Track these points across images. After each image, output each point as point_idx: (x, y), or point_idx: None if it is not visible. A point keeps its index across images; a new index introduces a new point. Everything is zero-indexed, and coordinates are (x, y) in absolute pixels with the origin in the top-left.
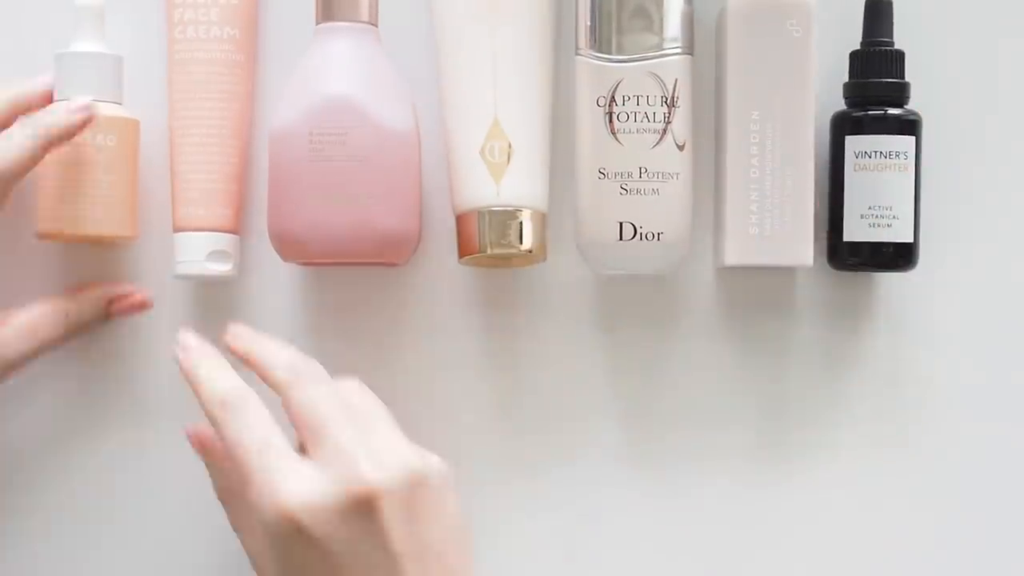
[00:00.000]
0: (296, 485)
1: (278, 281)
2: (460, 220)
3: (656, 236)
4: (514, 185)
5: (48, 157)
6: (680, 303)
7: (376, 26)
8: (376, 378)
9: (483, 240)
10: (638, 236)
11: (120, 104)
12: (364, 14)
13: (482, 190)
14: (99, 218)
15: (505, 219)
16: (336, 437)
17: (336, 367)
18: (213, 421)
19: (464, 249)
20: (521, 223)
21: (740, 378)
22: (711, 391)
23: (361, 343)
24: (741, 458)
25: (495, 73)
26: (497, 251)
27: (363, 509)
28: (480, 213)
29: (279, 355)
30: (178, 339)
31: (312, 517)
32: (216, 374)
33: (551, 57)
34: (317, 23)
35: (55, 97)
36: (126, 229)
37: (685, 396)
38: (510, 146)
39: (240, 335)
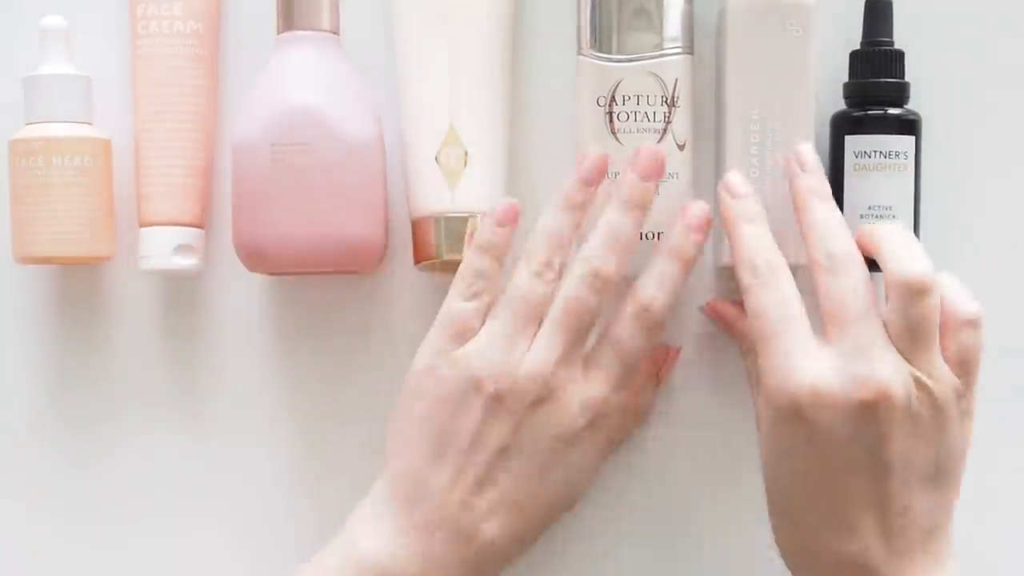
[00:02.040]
0: (808, 369)
1: (250, 277)
2: (416, 225)
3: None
4: (469, 191)
5: (22, 180)
6: (680, 302)
7: (338, 35)
8: (343, 382)
9: (438, 246)
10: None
11: (91, 124)
12: (325, 23)
13: (437, 196)
14: (81, 239)
15: (460, 225)
16: (858, 333)
17: (303, 369)
18: (741, 283)
19: (420, 255)
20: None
21: (740, 378)
22: (710, 389)
23: (329, 349)
24: (739, 458)
25: (451, 79)
26: (452, 256)
27: (868, 410)
28: (436, 219)
29: (831, 237)
30: (726, 178)
31: (815, 404)
32: (755, 237)
33: (509, 62)
34: (278, 33)
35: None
36: (106, 249)
37: (683, 395)
38: (466, 152)
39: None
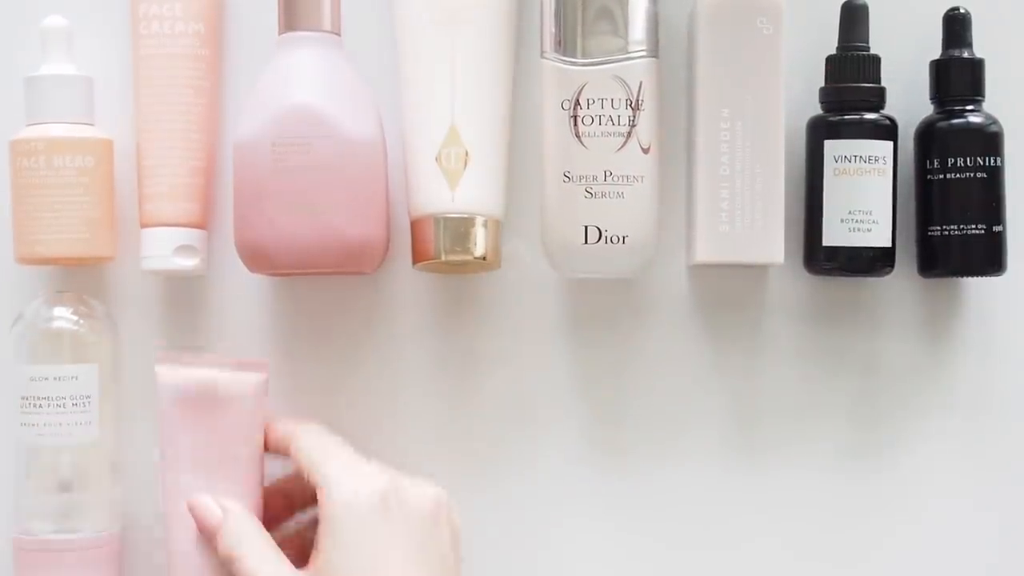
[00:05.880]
0: None
1: (251, 278)
2: (415, 225)
3: (621, 239)
4: (469, 192)
5: (24, 181)
6: (651, 303)
7: (339, 35)
8: (346, 380)
9: (437, 246)
10: (603, 239)
11: (92, 125)
12: (327, 23)
13: (437, 196)
14: (82, 239)
15: (459, 226)
16: None
17: (304, 369)
18: None
19: (418, 255)
20: (475, 230)
21: (711, 377)
22: (682, 391)
23: (329, 349)
24: (711, 457)
25: (452, 79)
26: (451, 258)
27: None
28: (435, 219)
29: None
30: None
31: None
32: None
33: (511, 64)
34: (279, 33)
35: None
36: (108, 249)
37: (656, 396)
38: (467, 153)
39: None
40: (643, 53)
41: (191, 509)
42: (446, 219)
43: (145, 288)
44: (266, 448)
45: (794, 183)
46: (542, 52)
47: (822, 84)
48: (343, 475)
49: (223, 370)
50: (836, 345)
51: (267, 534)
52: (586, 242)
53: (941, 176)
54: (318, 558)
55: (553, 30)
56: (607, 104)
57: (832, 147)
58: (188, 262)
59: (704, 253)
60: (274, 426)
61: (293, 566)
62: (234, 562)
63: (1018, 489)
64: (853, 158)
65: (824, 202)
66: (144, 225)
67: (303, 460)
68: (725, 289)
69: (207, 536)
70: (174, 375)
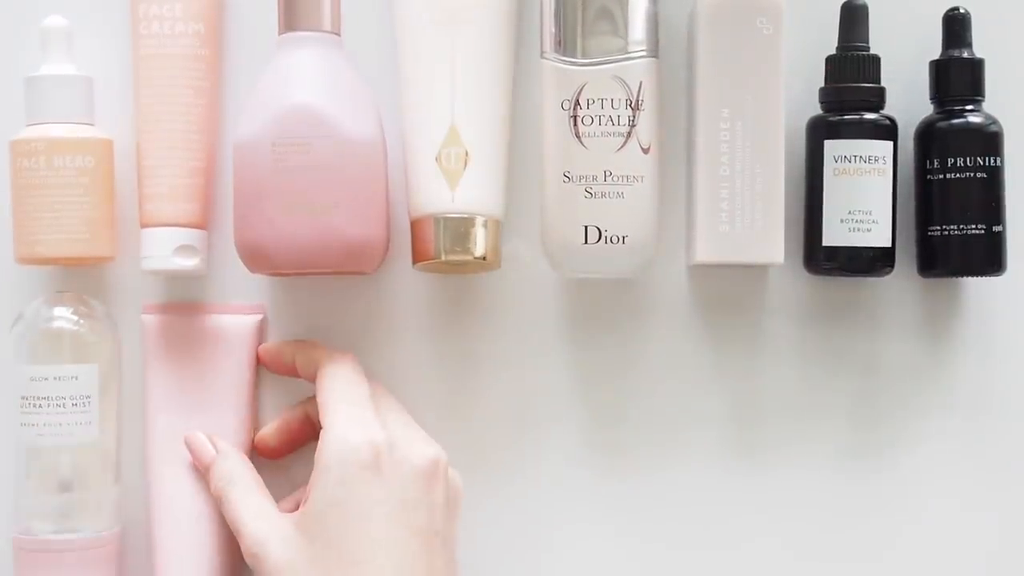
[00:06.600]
0: None
1: (251, 278)
2: (415, 225)
3: (621, 239)
4: (470, 192)
5: (24, 181)
6: (651, 303)
7: (339, 35)
8: None
9: (437, 246)
10: (603, 239)
11: (92, 125)
12: (326, 23)
13: (437, 196)
14: (82, 240)
15: (459, 226)
16: None
17: None
18: None
19: (418, 255)
20: (475, 231)
21: (711, 378)
22: (682, 391)
23: (331, 347)
24: (711, 457)
25: (452, 79)
26: (451, 258)
27: None
28: (435, 219)
29: None
30: None
31: None
32: None
33: (511, 64)
34: (280, 33)
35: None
36: (107, 249)
37: (656, 396)
38: (467, 153)
39: None
40: (643, 53)
41: (187, 444)
42: (446, 219)
43: (145, 288)
44: (296, 371)
45: (794, 183)
46: (542, 52)
47: (822, 84)
48: (342, 426)
49: (211, 314)
50: (836, 345)
51: (257, 476)
52: (586, 242)
53: (941, 176)
54: (305, 505)
55: (553, 30)
56: (607, 104)
57: (832, 147)
58: (188, 262)
59: (704, 253)
60: (307, 351)
61: (279, 510)
62: (223, 501)
63: (1018, 489)
64: (853, 158)
65: (824, 202)
66: (144, 225)
67: (319, 399)
68: (725, 289)
69: (200, 473)
70: (160, 320)
